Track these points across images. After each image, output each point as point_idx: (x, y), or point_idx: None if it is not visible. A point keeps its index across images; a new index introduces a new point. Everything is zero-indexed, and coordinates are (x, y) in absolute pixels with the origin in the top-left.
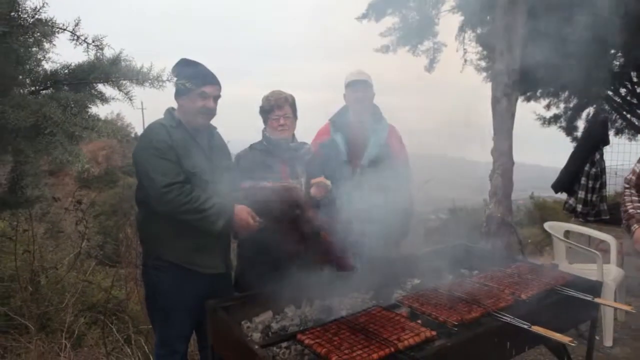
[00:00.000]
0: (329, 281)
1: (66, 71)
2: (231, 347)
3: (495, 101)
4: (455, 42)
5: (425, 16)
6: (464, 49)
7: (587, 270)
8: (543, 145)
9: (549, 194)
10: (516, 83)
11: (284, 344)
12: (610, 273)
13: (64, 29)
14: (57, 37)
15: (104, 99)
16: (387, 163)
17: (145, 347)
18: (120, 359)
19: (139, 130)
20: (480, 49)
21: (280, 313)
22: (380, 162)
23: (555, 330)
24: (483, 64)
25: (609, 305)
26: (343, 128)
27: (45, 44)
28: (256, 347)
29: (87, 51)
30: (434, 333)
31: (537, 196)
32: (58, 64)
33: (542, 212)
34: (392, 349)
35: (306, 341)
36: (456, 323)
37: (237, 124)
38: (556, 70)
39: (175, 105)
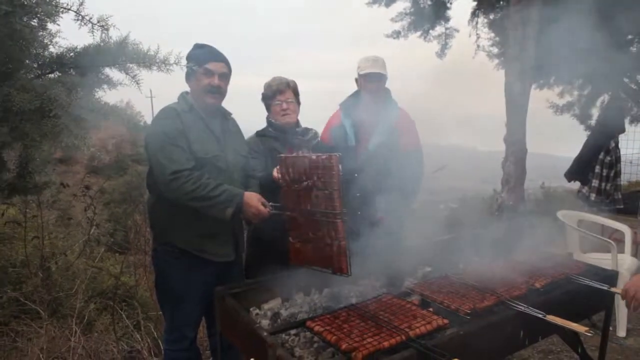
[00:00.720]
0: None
1: (72, 54)
2: (240, 334)
3: (509, 87)
4: (468, 28)
5: (438, 0)
6: (477, 34)
7: (601, 260)
8: (555, 134)
9: (559, 183)
10: (530, 68)
11: (293, 331)
12: (625, 263)
13: (68, 9)
14: (61, 17)
15: (111, 83)
16: (395, 148)
17: (155, 333)
18: (130, 345)
19: (148, 118)
20: (492, 35)
21: (289, 300)
22: (388, 145)
23: (569, 320)
24: (495, 50)
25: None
26: (353, 113)
27: (49, 25)
28: (265, 334)
29: (92, 32)
30: (446, 321)
31: (547, 186)
32: (64, 48)
33: (552, 201)
34: (404, 337)
35: (316, 328)
36: (468, 311)
37: (242, 113)
38: (570, 57)
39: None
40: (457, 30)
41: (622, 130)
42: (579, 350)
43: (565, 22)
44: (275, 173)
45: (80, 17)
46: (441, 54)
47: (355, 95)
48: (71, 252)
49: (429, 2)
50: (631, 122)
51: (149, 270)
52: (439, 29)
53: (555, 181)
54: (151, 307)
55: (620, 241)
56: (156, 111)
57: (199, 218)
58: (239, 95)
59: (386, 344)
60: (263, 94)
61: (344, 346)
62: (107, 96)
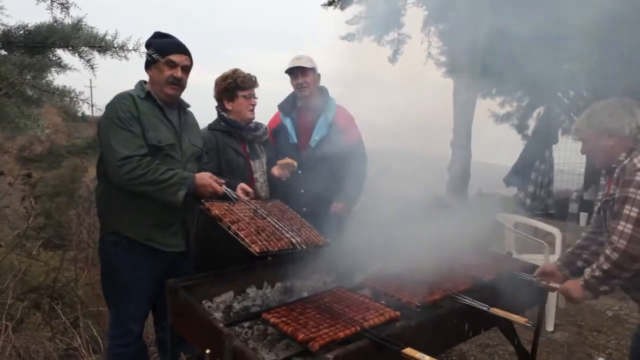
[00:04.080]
0: (290, 263)
1: (22, 32)
2: (193, 327)
3: (456, 94)
4: (420, 35)
5: (392, 6)
6: (429, 41)
7: (534, 260)
8: (492, 143)
9: (494, 191)
10: (476, 77)
11: (246, 324)
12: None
13: None
14: None
15: (62, 66)
16: (336, 142)
17: (94, 330)
18: (67, 342)
19: (86, 109)
20: (441, 44)
21: (241, 293)
22: (329, 141)
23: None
24: (443, 59)
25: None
26: (291, 112)
27: None
28: (221, 325)
29: (51, 9)
30: (397, 313)
31: (484, 192)
32: (12, 24)
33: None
34: (358, 328)
35: (272, 320)
36: (419, 304)
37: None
38: (512, 69)
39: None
40: (410, 37)
41: (555, 141)
42: (515, 343)
43: (509, 36)
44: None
45: None
46: (393, 59)
47: (292, 95)
48: (4, 245)
49: (384, 7)
50: (562, 133)
51: (93, 263)
52: (392, 35)
53: (491, 189)
54: (91, 302)
55: (551, 243)
56: (96, 102)
57: (149, 207)
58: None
59: (342, 334)
60: (231, 83)
61: (300, 337)
62: (55, 79)
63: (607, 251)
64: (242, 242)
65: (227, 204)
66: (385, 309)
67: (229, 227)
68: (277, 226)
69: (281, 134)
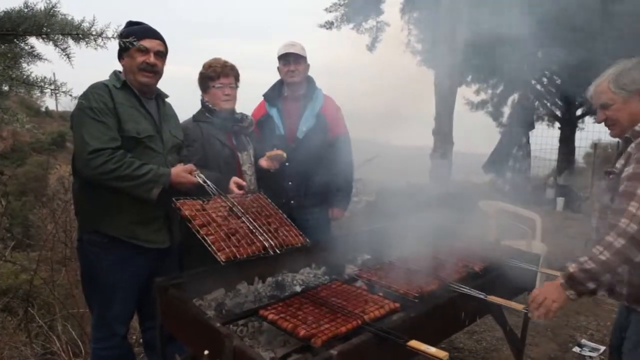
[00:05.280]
0: (278, 257)
1: None
2: (186, 327)
3: (438, 83)
4: (400, 22)
5: None
6: (409, 29)
7: (516, 246)
8: (465, 132)
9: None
10: (458, 66)
11: (241, 322)
12: (536, 248)
13: None
14: None
15: (35, 55)
16: (323, 133)
17: (73, 333)
18: (44, 347)
19: (50, 104)
20: (417, 32)
21: (232, 290)
22: (316, 132)
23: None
24: (419, 47)
25: (552, 274)
26: (277, 102)
27: None
28: (218, 325)
29: None
30: (397, 305)
31: (462, 180)
32: None
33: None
34: (360, 322)
35: (270, 317)
36: (417, 295)
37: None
38: (488, 57)
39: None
40: (388, 25)
41: (532, 128)
42: (507, 329)
43: (486, 23)
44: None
45: None
46: (371, 47)
47: (278, 84)
48: None
49: None
50: (536, 120)
51: (69, 263)
52: (371, 22)
53: (467, 176)
54: (70, 304)
55: (531, 229)
56: (60, 97)
57: (131, 202)
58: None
59: (343, 329)
60: (202, 74)
61: (302, 333)
62: (33, 72)
63: (609, 238)
64: (209, 249)
65: (201, 202)
66: (385, 300)
67: (198, 231)
68: (251, 227)
69: (267, 124)
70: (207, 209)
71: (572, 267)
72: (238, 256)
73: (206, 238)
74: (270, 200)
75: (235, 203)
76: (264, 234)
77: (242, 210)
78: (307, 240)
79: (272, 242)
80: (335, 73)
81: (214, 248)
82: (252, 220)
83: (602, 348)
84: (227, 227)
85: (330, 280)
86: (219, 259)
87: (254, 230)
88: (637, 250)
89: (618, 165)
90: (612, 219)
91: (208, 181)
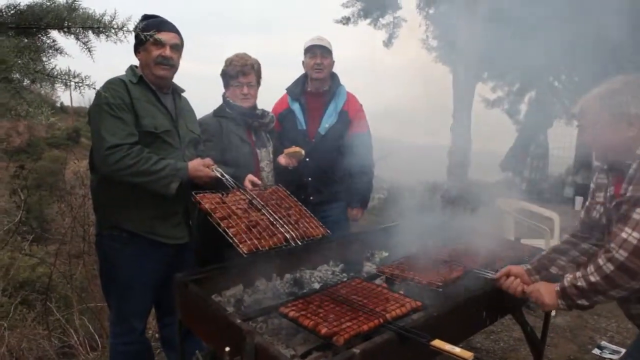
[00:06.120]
0: (297, 253)
1: (13, 12)
2: (206, 323)
3: (456, 80)
4: (418, 18)
5: None
6: (427, 25)
7: (535, 245)
8: (483, 130)
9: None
10: (476, 63)
11: (260, 318)
12: None
13: None
14: None
15: (57, 49)
16: (345, 131)
17: (90, 327)
18: (63, 340)
19: (65, 100)
20: (432, 28)
21: (250, 286)
22: (339, 130)
23: (523, 301)
24: (435, 43)
25: None
26: (300, 97)
27: None
28: (239, 321)
29: None
30: (419, 303)
31: (477, 179)
32: (1, 3)
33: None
34: (381, 320)
35: (290, 314)
36: (440, 283)
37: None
38: (505, 54)
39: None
40: (405, 20)
41: (550, 125)
42: (528, 329)
43: (503, 21)
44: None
45: None
46: (388, 43)
47: (302, 79)
48: None
49: None
50: (554, 117)
51: (88, 258)
52: (388, 18)
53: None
54: (88, 298)
55: (550, 228)
56: (74, 93)
57: (149, 197)
58: None
59: (365, 327)
60: (224, 71)
61: (323, 331)
62: (57, 65)
63: (600, 260)
64: (231, 241)
65: (220, 195)
66: (406, 299)
67: (219, 224)
68: (271, 219)
69: (288, 119)
70: (227, 202)
71: (566, 281)
72: (260, 248)
73: (227, 231)
74: (289, 192)
75: (254, 196)
76: (285, 225)
77: (262, 203)
78: (328, 231)
79: (293, 234)
80: (351, 70)
81: (236, 241)
82: (272, 213)
83: (623, 351)
84: (247, 220)
85: (350, 278)
86: (241, 251)
87: (274, 223)
88: (628, 277)
89: (622, 191)
90: (607, 240)
91: (226, 175)
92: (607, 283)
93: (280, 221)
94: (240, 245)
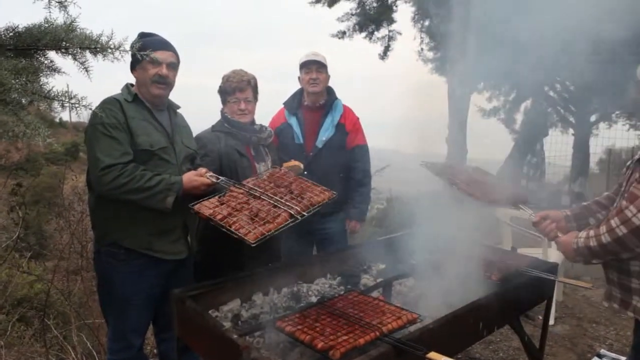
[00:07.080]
0: (293, 268)
1: (11, 34)
2: (204, 339)
3: (451, 90)
4: (412, 30)
5: (384, 2)
6: (422, 37)
7: (532, 254)
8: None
9: None
10: (471, 73)
11: (257, 333)
12: (552, 256)
13: None
14: None
15: (54, 69)
16: (342, 144)
17: (88, 343)
18: (60, 358)
19: (64, 115)
20: (428, 40)
21: (247, 301)
22: (335, 142)
23: (520, 311)
24: (431, 55)
25: (571, 284)
26: (297, 111)
27: None
28: (235, 337)
29: (49, 8)
30: (415, 316)
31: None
32: (0, 26)
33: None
34: (377, 333)
35: (287, 328)
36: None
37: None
38: (501, 63)
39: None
40: (400, 33)
41: (546, 134)
42: (525, 339)
43: (497, 32)
44: None
45: None
46: (384, 56)
47: (298, 93)
48: None
49: (375, 4)
50: (550, 126)
51: (86, 275)
52: (383, 31)
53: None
54: (85, 315)
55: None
56: (79, 110)
57: (147, 214)
58: None
59: (361, 341)
60: (221, 87)
61: (320, 345)
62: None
63: (613, 222)
64: (236, 236)
65: (217, 198)
66: (402, 311)
67: (221, 226)
68: (272, 202)
69: (286, 133)
70: (225, 202)
71: (580, 239)
72: (266, 233)
73: (230, 228)
74: (287, 169)
75: (252, 186)
76: (288, 202)
77: (261, 190)
78: (334, 193)
79: (297, 208)
80: (347, 83)
81: (240, 234)
82: (272, 195)
83: (623, 359)
84: (249, 210)
85: (347, 291)
86: (248, 242)
87: (276, 205)
88: (638, 241)
89: None
90: (621, 202)
91: (220, 177)
92: (618, 245)
93: (282, 200)
94: (246, 237)
